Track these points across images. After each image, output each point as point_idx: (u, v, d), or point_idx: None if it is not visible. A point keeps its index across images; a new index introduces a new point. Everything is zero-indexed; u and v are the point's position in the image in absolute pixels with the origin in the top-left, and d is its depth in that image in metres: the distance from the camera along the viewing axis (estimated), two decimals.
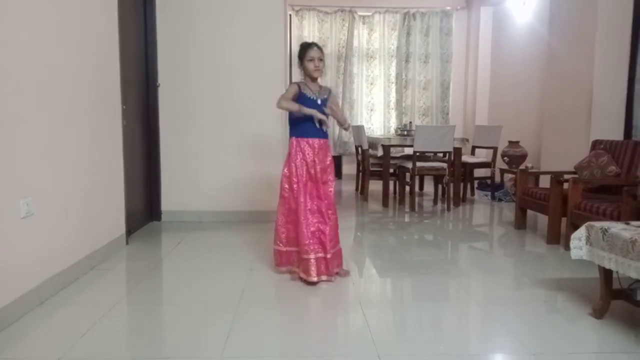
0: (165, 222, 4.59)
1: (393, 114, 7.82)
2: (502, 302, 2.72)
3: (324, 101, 3.02)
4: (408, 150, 5.72)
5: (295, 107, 2.93)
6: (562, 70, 4.96)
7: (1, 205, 2.27)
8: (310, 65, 2.97)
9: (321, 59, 2.98)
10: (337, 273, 3.02)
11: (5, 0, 2.31)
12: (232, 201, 4.64)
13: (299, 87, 2.99)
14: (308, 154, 2.97)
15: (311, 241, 2.90)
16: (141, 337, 2.27)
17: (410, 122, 6.50)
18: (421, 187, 6.65)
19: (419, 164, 5.25)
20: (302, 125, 2.98)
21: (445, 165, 5.27)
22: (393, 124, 7.75)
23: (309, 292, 2.81)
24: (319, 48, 3.01)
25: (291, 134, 3.04)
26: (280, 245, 3.04)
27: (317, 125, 2.96)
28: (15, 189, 2.38)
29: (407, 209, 5.46)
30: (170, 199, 4.62)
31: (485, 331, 2.44)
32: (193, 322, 2.39)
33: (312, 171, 2.96)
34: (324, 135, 3.02)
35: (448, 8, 7.66)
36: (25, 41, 2.47)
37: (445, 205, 5.45)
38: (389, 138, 5.60)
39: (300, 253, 2.94)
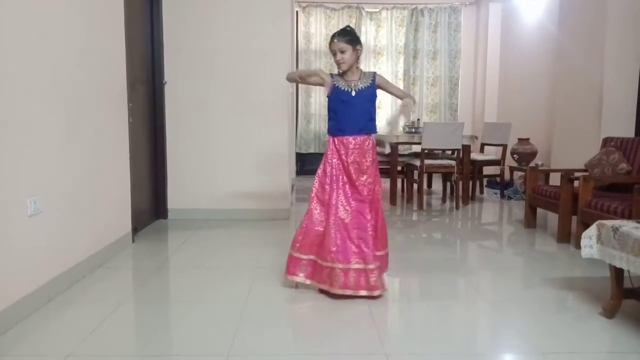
0: (172, 220, 4.60)
1: None
2: (512, 301, 2.70)
3: (366, 90, 2.73)
4: (416, 148, 5.68)
5: (294, 75, 2.80)
6: (572, 67, 4.90)
7: (9, 203, 2.28)
8: (334, 59, 2.73)
9: (343, 51, 2.66)
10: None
11: (15, 2, 2.32)
12: (239, 199, 4.63)
13: (331, 77, 2.75)
14: (342, 153, 2.73)
15: (339, 249, 2.62)
16: (149, 335, 2.28)
17: (418, 119, 6.46)
18: (429, 185, 6.62)
19: (427, 161, 5.21)
20: (335, 121, 2.76)
21: (453, 162, 5.24)
22: (401, 121, 7.70)
23: (317, 291, 2.79)
24: (341, 36, 2.69)
25: (328, 131, 2.81)
26: (292, 250, 2.79)
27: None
28: (23, 187, 2.38)
29: (415, 207, 5.43)
30: (176, 197, 4.62)
31: (494, 330, 2.42)
32: (200, 320, 2.39)
33: (348, 173, 2.72)
34: (360, 132, 2.74)
35: (456, 4, 7.60)
36: (35, 41, 2.48)
37: (454, 204, 5.41)
38: (397, 135, 5.57)
39: (322, 260, 2.66)
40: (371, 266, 2.60)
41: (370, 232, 2.66)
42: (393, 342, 2.20)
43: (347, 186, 2.73)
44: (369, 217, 2.68)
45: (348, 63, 2.69)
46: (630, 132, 4.31)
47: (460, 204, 5.38)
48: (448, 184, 5.73)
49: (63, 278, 2.72)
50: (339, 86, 2.74)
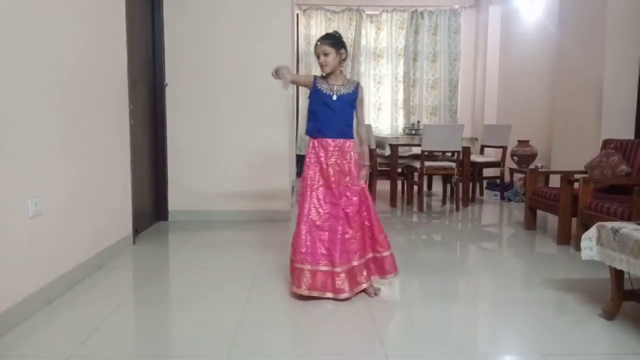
0: (172, 221, 4.60)
1: (401, 113, 7.79)
2: (511, 303, 2.70)
3: (348, 96, 2.73)
4: (416, 150, 5.69)
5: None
6: (572, 69, 4.91)
7: (10, 205, 2.28)
8: (318, 62, 2.75)
9: (326, 53, 2.67)
10: (363, 290, 2.72)
11: (16, 2, 2.32)
12: (239, 201, 4.63)
13: (314, 79, 2.77)
14: (322, 155, 2.72)
15: (309, 251, 2.64)
16: (149, 336, 2.28)
17: (418, 121, 6.47)
18: (429, 187, 6.62)
19: (427, 163, 5.22)
20: (314, 122, 2.76)
21: (453, 164, 5.24)
22: (401, 123, 7.72)
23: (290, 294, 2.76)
24: (325, 39, 2.71)
25: (307, 132, 2.81)
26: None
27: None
28: (24, 189, 2.39)
29: (415, 209, 5.44)
30: (177, 199, 4.63)
31: (494, 331, 2.42)
32: (200, 321, 2.39)
33: (326, 175, 2.71)
34: (341, 135, 2.72)
35: (456, 6, 7.61)
36: (36, 41, 2.48)
37: (454, 205, 5.41)
38: (397, 137, 5.58)
39: (293, 261, 2.70)
40: (338, 269, 2.60)
41: (339, 236, 2.65)
42: (393, 342, 2.20)
43: (321, 189, 2.73)
44: (341, 221, 2.68)
45: (331, 66, 2.70)
46: (630, 134, 4.31)
47: (460, 205, 5.38)
48: (448, 185, 5.74)
49: (64, 279, 2.72)
50: (321, 89, 2.74)
